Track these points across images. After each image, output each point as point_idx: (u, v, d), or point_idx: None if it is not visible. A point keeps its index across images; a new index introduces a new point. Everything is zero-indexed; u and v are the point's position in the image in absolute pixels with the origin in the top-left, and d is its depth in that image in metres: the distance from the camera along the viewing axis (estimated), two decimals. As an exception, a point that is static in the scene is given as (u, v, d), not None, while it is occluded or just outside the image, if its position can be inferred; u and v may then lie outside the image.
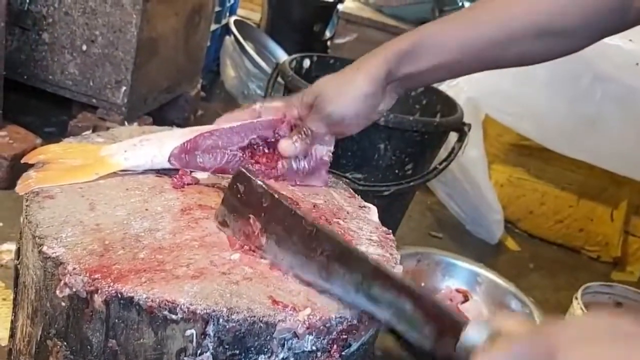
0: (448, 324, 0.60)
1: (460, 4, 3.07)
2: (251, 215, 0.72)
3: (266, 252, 0.71)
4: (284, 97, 0.98)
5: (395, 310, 0.63)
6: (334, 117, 0.89)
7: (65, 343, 0.67)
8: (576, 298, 1.32)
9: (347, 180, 1.42)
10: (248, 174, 0.73)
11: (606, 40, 2.02)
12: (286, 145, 0.90)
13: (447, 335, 0.59)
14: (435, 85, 2.05)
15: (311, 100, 0.90)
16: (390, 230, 0.87)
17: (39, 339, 0.69)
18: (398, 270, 0.78)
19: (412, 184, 1.54)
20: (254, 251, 0.72)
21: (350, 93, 0.89)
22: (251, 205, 0.72)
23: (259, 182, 0.72)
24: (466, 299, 1.67)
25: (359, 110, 0.90)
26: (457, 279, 1.71)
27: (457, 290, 1.68)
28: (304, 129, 0.90)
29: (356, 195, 0.96)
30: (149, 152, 0.83)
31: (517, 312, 1.56)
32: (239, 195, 0.73)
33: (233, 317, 0.62)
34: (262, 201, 0.71)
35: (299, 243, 0.68)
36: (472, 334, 0.58)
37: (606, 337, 0.51)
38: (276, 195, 0.71)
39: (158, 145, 0.84)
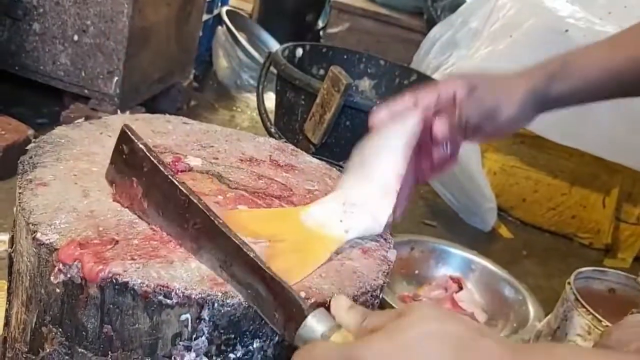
0: (295, 311, 0.58)
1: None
2: (134, 178, 0.70)
3: (148, 217, 0.70)
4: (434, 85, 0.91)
5: (252, 292, 0.62)
6: (492, 113, 0.87)
7: (60, 330, 0.67)
8: (569, 283, 1.33)
9: (341, 169, 1.42)
10: (131, 135, 0.70)
11: (597, 27, 2.03)
12: (442, 127, 0.83)
13: (292, 321, 0.58)
14: (427, 74, 2.05)
15: (468, 87, 0.86)
16: (384, 216, 0.88)
17: (33, 326, 0.70)
18: (391, 254, 0.79)
19: (405, 171, 1.54)
20: (138, 215, 0.71)
21: (513, 95, 0.88)
22: (134, 167, 0.70)
23: (140, 145, 0.69)
24: (460, 287, 1.68)
25: (517, 114, 0.89)
26: (451, 266, 1.72)
27: (451, 278, 1.69)
28: (458, 113, 0.86)
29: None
30: (366, 225, 0.77)
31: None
32: (124, 156, 0.71)
33: (228, 301, 0.62)
34: (143, 165, 0.69)
35: (174, 212, 0.67)
36: (312, 325, 0.57)
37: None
38: (155, 161, 0.68)
39: (371, 215, 0.78)
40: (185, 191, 0.66)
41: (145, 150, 0.69)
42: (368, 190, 0.80)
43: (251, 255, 0.62)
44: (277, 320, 0.60)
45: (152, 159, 0.69)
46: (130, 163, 0.71)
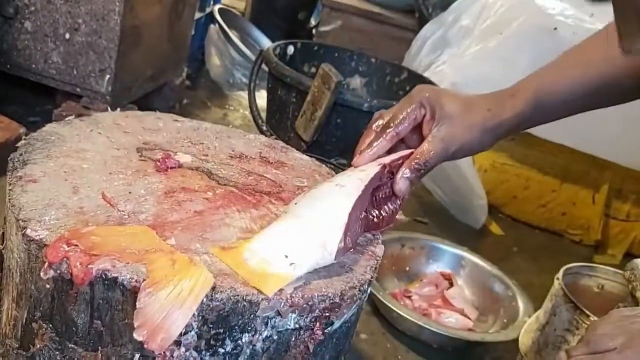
0: None
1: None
2: None
3: None
4: (404, 106, 0.92)
5: None
6: (457, 156, 0.91)
7: (50, 325, 0.67)
8: (557, 279, 1.34)
9: (332, 166, 1.43)
10: None
11: (587, 24, 2.05)
12: (405, 187, 0.87)
13: None
14: (418, 72, 2.06)
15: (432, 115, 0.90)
16: (373, 212, 0.88)
17: (24, 322, 0.70)
18: (379, 250, 0.80)
19: (396, 169, 1.55)
20: None
21: (478, 137, 0.91)
22: None
23: None
24: (451, 284, 1.69)
25: (481, 147, 0.93)
26: (442, 263, 1.72)
27: (442, 274, 1.70)
28: (424, 162, 0.88)
29: (339, 178, 0.97)
30: (314, 256, 0.70)
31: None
32: None
33: (217, 296, 0.63)
34: None
35: None
36: None
37: None
38: None
39: (319, 244, 0.71)
40: None
41: None
42: (314, 219, 0.74)
43: None
44: None
45: None
46: None
